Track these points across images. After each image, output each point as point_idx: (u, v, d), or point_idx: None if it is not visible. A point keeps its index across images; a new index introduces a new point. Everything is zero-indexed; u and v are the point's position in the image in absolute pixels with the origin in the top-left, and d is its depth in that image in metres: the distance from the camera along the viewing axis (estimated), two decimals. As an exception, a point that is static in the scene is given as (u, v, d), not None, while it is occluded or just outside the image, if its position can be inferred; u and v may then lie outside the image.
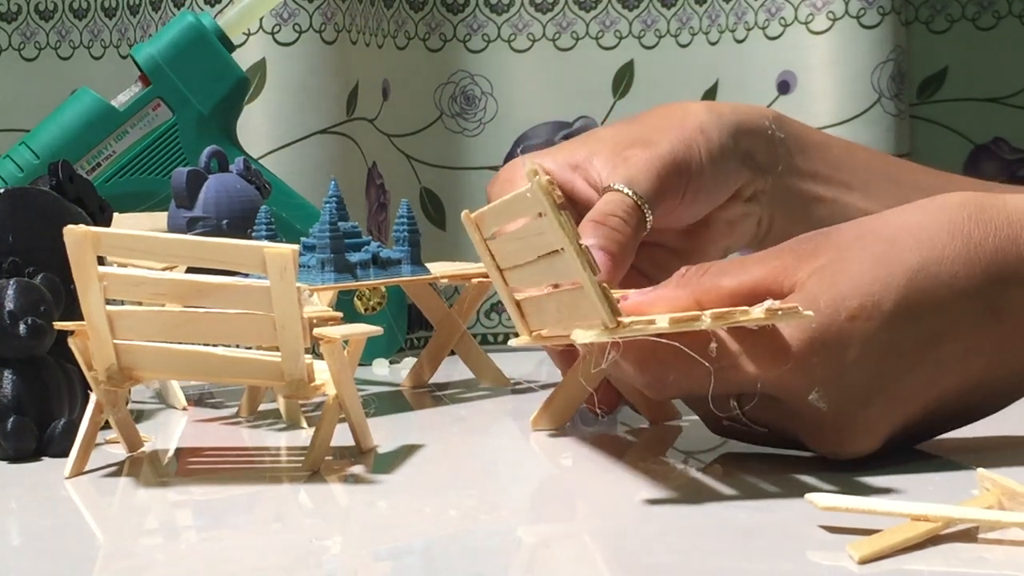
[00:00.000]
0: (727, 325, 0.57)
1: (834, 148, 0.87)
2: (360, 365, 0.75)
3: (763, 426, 0.63)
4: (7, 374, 0.71)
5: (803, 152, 0.85)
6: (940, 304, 0.60)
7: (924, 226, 0.62)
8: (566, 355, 0.78)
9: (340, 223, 0.82)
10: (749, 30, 1.12)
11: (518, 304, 0.65)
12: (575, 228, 0.55)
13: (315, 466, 0.66)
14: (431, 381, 0.91)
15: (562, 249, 0.55)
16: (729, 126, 0.81)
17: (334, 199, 0.84)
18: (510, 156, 1.16)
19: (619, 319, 0.56)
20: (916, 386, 0.61)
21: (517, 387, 0.90)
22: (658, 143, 0.79)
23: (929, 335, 0.60)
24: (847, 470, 0.62)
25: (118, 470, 0.68)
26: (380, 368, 1.00)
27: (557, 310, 0.61)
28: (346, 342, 0.68)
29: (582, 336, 0.57)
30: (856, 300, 0.59)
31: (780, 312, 0.57)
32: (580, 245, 0.55)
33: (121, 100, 0.98)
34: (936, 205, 0.63)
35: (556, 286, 0.61)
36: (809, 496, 0.54)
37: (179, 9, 1.08)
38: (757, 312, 0.57)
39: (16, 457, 0.70)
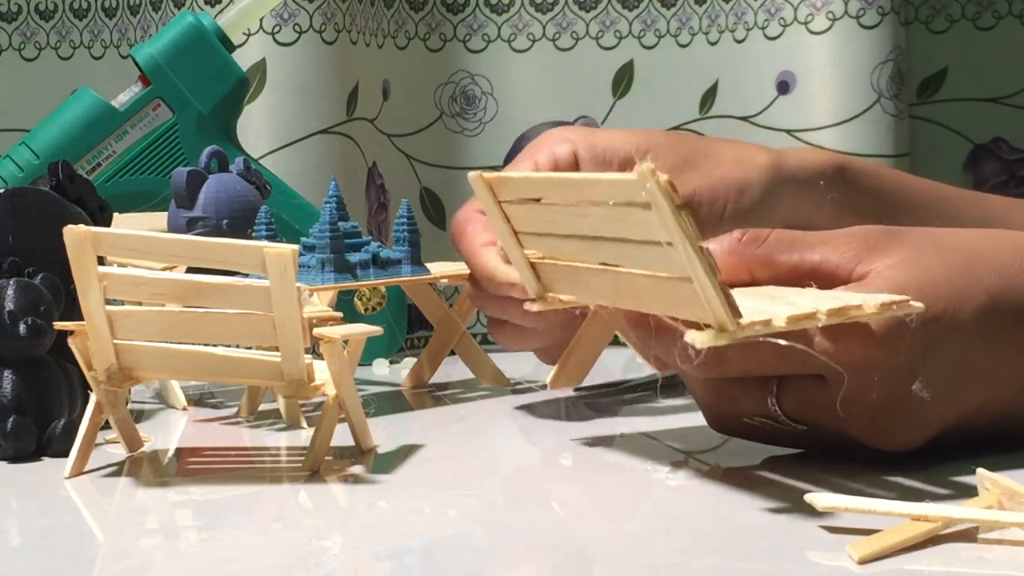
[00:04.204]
0: (843, 320, 0.56)
1: (888, 201, 0.86)
2: (360, 365, 0.75)
3: (801, 423, 0.63)
4: (7, 374, 0.71)
5: (853, 207, 0.84)
6: (1008, 330, 0.62)
7: (999, 253, 0.63)
8: (565, 320, 0.76)
9: (340, 223, 0.82)
10: (749, 30, 1.12)
11: (533, 266, 0.64)
12: (695, 229, 0.53)
13: (315, 466, 0.66)
14: (431, 381, 0.91)
15: (669, 243, 0.53)
16: (780, 186, 0.80)
17: (334, 199, 0.83)
18: (510, 156, 1.16)
19: (739, 320, 0.54)
20: (969, 393, 0.62)
21: (517, 387, 0.90)
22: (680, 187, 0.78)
23: (992, 354, 0.62)
24: (847, 470, 0.62)
25: (118, 470, 0.68)
26: (380, 368, 1.00)
27: (615, 289, 0.60)
28: (346, 342, 0.68)
29: (700, 340, 0.54)
30: (940, 304, 0.60)
31: (895, 305, 0.56)
32: (701, 247, 0.53)
33: (121, 100, 0.98)
34: (1006, 236, 0.65)
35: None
36: (809, 496, 0.54)
37: (179, 9, 1.08)
38: (871, 307, 0.56)
39: (16, 457, 0.70)
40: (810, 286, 0.62)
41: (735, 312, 0.53)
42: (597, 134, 0.81)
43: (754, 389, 0.63)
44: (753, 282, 0.64)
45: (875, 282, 0.61)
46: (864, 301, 0.56)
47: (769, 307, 0.56)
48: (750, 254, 0.63)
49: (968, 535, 0.52)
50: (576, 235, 0.60)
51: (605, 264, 0.60)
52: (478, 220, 0.78)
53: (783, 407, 0.62)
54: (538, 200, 0.62)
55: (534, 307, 0.67)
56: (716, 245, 0.63)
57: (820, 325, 0.55)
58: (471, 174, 0.64)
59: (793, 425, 0.63)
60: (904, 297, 0.57)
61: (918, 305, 0.57)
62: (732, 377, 0.62)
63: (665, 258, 0.54)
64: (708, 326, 0.54)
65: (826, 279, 0.62)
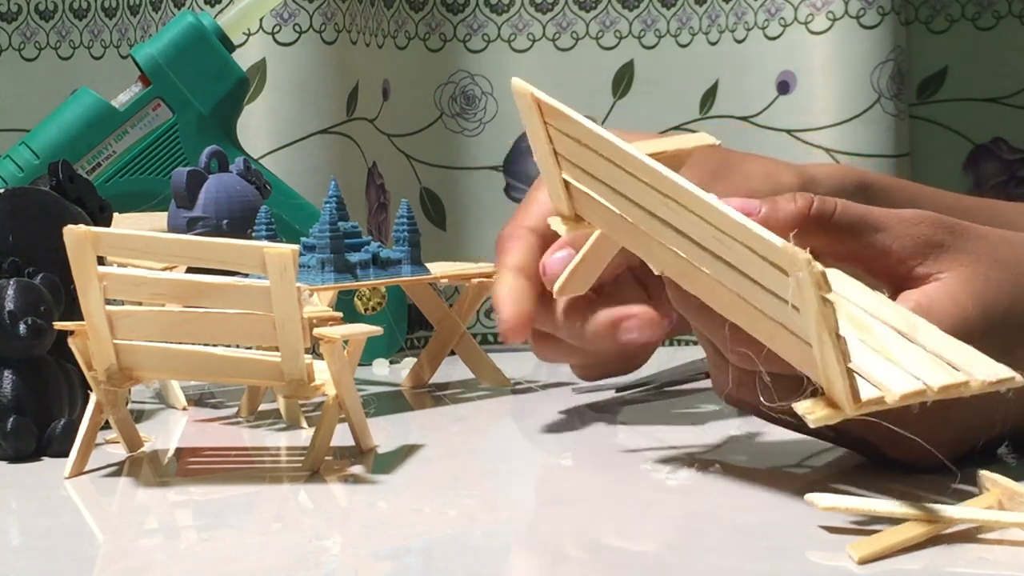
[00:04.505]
0: (949, 396, 0.54)
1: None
2: (360, 365, 0.75)
3: (831, 429, 0.62)
4: (7, 374, 0.71)
5: None
6: None
7: None
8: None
9: (340, 223, 0.82)
10: (749, 30, 1.12)
11: (567, 184, 0.63)
12: (837, 320, 0.51)
13: (315, 466, 0.66)
14: (431, 381, 0.91)
15: (795, 308, 0.52)
16: None
17: (334, 199, 0.83)
18: (510, 156, 1.16)
19: (857, 401, 0.53)
20: (1005, 416, 0.61)
21: (517, 387, 0.90)
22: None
23: None
24: (848, 470, 0.62)
25: (118, 470, 0.68)
26: (380, 368, 1.00)
27: (683, 273, 0.59)
28: (346, 342, 0.68)
29: (815, 417, 0.53)
30: (999, 335, 0.59)
31: (1000, 383, 0.55)
32: (838, 336, 0.51)
33: (121, 100, 0.98)
34: None
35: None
36: (809, 496, 0.54)
37: (179, 9, 1.08)
38: (976, 384, 0.54)
39: (16, 457, 0.70)
40: (879, 290, 0.61)
41: (855, 395, 0.52)
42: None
43: (783, 389, 0.61)
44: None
45: (937, 292, 0.60)
46: (970, 377, 0.55)
47: (863, 355, 0.55)
48: (815, 228, 0.61)
49: (968, 535, 0.52)
50: (649, 210, 0.59)
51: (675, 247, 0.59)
52: (519, 238, 0.76)
53: None
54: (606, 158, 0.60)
55: (562, 228, 0.65)
56: (776, 209, 0.62)
57: (929, 401, 0.54)
58: (514, 81, 0.61)
59: (823, 430, 0.62)
60: (1009, 375, 0.55)
61: (1021, 380, 0.56)
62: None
63: (782, 310, 0.53)
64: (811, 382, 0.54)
65: (886, 270, 0.62)
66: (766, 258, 0.53)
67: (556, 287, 0.70)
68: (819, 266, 0.50)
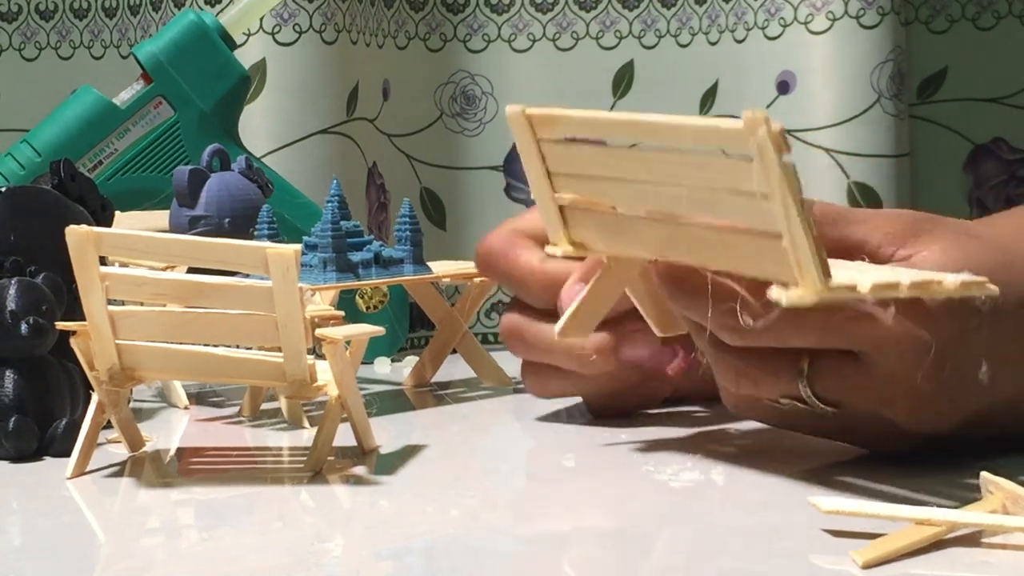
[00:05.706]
0: (924, 294, 0.55)
1: None
2: (362, 364, 0.75)
3: (832, 405, 0.62)
4: (9, 374, 0.71)
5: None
6: None
7: None
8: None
9: (342, 222, 0.82)
10: (749, 30, 1.12)
11: (561, 210, 0.64)
12: (800, 183, 0.51)
13: (317, 466, 0.66)
14: (433, 380, 0.91)
15: (764, 196, 0.52)
16: None
17: (336, 198, 0.83)
18: (510, 156, 1.16)
19: (828, 277, 0.52)
20: (1001, 383, 0.61)
21: (519, 387, 0.90)
22: None
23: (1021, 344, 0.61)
24: (851, 473, 0.62)
25: (120, 470, 0.68)
26: (382, 367, 1.00)
27: (670, 241, 0.59)
28: (348, 342, 0.68)
29: (788, 297, 0.53)
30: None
31: (974, 286, 0.55)
32: (803, 201, 0.51)
33: (123, 98, 0.98)
34: None
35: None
36: (812, 499, 0.54)
37: (179, 9, 1.08)
38: (950, 283, 0.55)
39: (17, 457, 0.70)
40: (862, 259, 0.61)
41: (826, 272, 0.52)
42: None
43: (783, 370, 0.61)
44: None
45: (916, 261, 0.61)
46: (944, 278, 0.55)
47: (846, 273, 0.55)
48: None
49: (972, 539, 0.52)
50: (632, 179, 0.59)
51: (659, 213, 0.59)
52: (520, 245, 0.77)
53: (814, 389, 0.61)
54: (588, 141, 0.61)
55: (557, 251, 0.66)
56: None
57: (902, 296, 0.54)
58: (509, 108, 0.62)
59: (823, 408, 0.62)
60: (983, 278, 0.56)
61: (994, 288, 0.56)
62: (762, 357, 0.62)
63: (752, 210, 0.53)
64: (784, 285, 0.54)
65: (867, 259, 0.62)
66: (732, 153, 0.53)
67: (557, 330, 0.69)
68: (779, 124, 0.50)
